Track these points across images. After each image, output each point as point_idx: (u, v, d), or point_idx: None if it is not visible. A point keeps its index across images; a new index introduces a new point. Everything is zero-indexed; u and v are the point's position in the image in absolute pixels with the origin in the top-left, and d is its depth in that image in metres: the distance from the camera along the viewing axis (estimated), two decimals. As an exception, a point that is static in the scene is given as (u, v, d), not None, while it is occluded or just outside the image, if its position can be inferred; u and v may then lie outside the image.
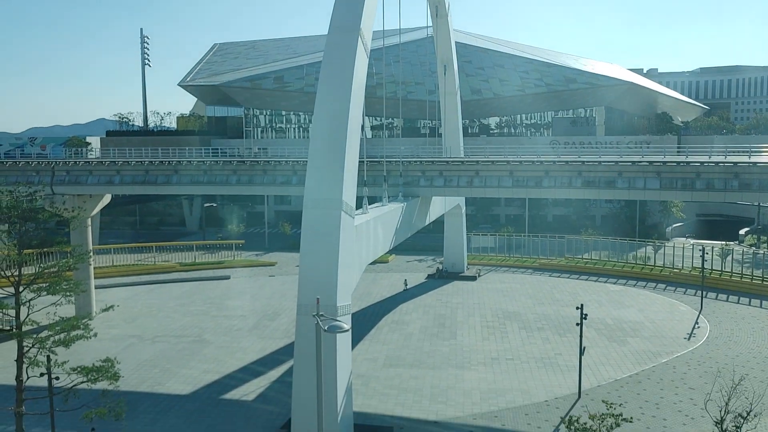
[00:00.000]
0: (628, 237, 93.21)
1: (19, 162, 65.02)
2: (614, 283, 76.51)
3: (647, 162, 54.94)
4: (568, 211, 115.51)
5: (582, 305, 43.57)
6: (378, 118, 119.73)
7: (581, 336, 42.68)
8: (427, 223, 65.48)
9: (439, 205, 69.54)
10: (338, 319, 31.56)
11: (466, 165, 59.70)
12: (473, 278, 79.41)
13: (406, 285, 74.50)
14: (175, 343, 56.00)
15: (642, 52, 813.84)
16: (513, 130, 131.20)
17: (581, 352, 42.94)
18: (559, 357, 50.96)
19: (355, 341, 50.89)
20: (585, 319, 42.85)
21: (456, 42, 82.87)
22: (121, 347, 54.30)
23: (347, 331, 28.53)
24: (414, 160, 61.17)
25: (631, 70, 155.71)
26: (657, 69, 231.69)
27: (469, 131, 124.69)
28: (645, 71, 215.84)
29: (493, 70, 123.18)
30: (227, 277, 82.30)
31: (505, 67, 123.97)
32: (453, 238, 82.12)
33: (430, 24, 75.70)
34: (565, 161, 56.97)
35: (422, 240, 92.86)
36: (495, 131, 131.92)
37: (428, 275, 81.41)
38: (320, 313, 27.10)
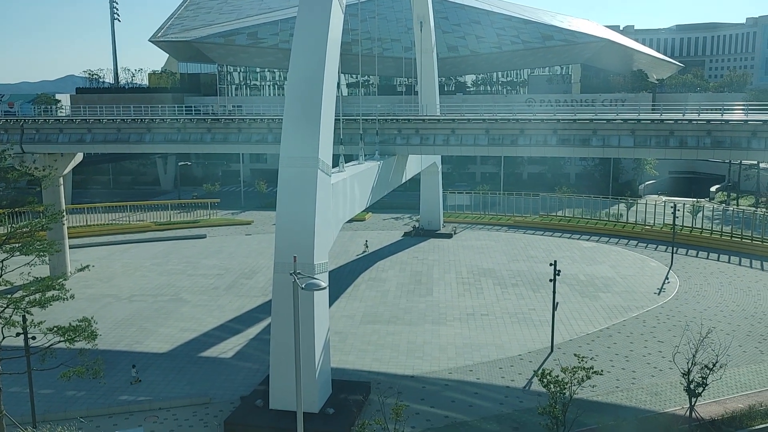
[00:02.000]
0: (601, 195, 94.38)
1: (-13, 120, 63.52)
2: (587, 240, 77.72)
3: (622, 120, 55.33)
4: (543, 169, 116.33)
5: (555, 262, 44.29)
6: (354, 76, 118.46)
7: (554, 292, 43.51)
8: (403, 181, 65.58)
9: (415, 164, 69.57)
10: (315, 276, 31.78)
11: (443, 123, 59.63)
12: (449, 236, 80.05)
13: (367, 246, 73.72)
14: (152, 302, 56.00)
15: (619, 9, 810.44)
16: (489, 88, 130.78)
17: (554, 308, 43.83)
18: (533, 312, 51.97)
19: (333, 299, 51.39)
20: (558, 275, 43.62)
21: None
22: (97, 307, 54.18)
23: (324, 288, 28.77)
24: (390, 118, 60.90)
25: (607, 27, 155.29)
26: (633, 26, 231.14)
27: (446, 89, 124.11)
28: (621, 28, 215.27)
29: (470, 27, 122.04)
30: (203, 236, 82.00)
31: (481, 23, 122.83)
32: (429, 196, 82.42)
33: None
34: (540, 119, 57.14)
35: (399, 198, 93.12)
36: (471, 89, 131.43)
37: (405, 233, 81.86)
38: (297, 271, 27.23)
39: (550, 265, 44.37)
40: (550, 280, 44.03)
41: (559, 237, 79.64)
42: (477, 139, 58.20)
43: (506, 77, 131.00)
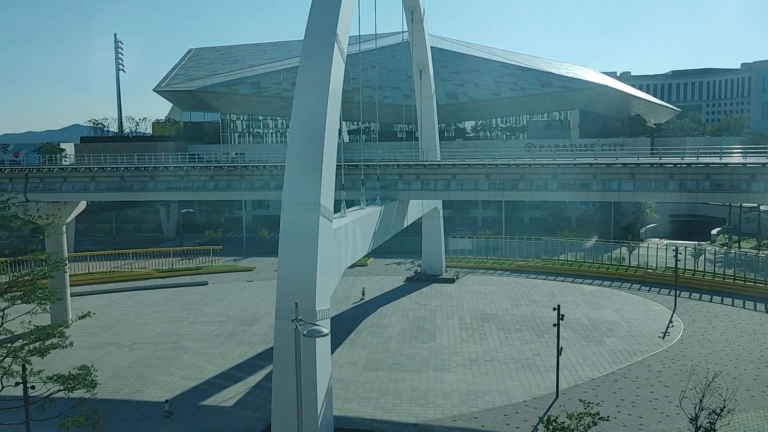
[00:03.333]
0: (603, 238, 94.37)
1: (-8, 169, 64.09)
2: (590, 284, 77.40)
3: (621, 164, 55.77)
4: (545, 214, 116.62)
5: (559, 306, 44.08)
6: (355, 123, 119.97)
7: (558, 336, 43.13)
8: (405, 226, 65.78)
9: (416, 209, 69.87)
10: (317, 323, 31.63)
11: (443, 168, 60.12)
12: (452, 281, 79.81)
13: (363, 294, 72.93)
14: (153, 350, 55.56)
15: (615, 56, 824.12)
16: (489, 134, 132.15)
17: (558, 353, 43.44)
18: (537, 358, 51.46)
19: (335, 345, 50.96)
20: (562, 319, 43.39)
21: (432, 47, 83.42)
22: (98, 355, 53.74)
23: (326, 335, 28.63)
24: (391, 163, 61.45)
25: (604, 73, 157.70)
26: (630, 72, 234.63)
27: (446, 135, 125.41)
28: (618, 74, 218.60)
29: (469, 75, 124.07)
30: (205, 283, 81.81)
31: (480, 71, 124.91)
32: (431, 240, 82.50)
33: (406, 29, 76.13)
34: (540, 164, 57.62)
35: (400, 243, 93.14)
36: (471, 135, 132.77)
37: (407, 278, 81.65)
38: (299, 317, 27.16)
39: (554, 309, 44.15)
40: (554, 325, 43.76)
41: (562, 281, 79.38)
42: (478, 183, 58.58)
43: (505, 123, 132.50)
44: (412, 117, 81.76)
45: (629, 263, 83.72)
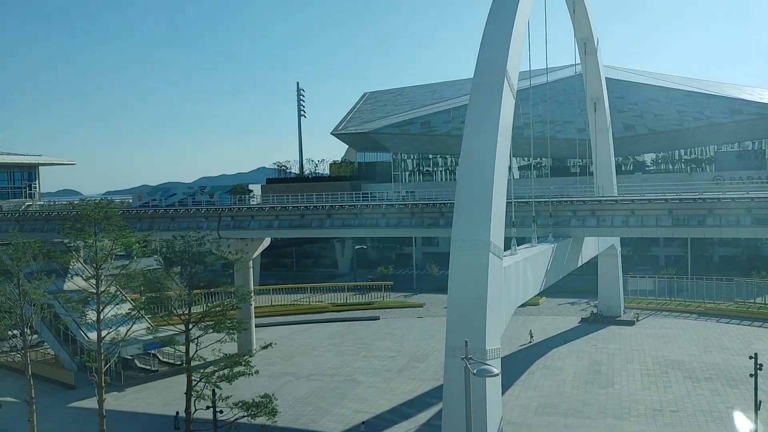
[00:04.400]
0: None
1: (191, 209, 70.78)
2: (795, 331, 69.12)
3: (830, 197, 49.68)
4: (737, 252, 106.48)
5: (756, 354, 39.71)
6: (526, 158, 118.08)
7: (756, 388, 38.81)
8: (579, 264, 63.14)
9: (591, 246, 66.90)
10: (487, 362, 31.03)
11: (621, 203, 57.13)
12: (631, 323, 75.07)
13: (531, 337, 69.63)
14: (328, 382, 57.60)
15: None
16: (671, 167, 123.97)
17: (757, 407, 38.99)
18: (731, 411, 46.57)
19: (506, 386, 49.63)
20: (760, 369, 38.99)
21: (606, 78, 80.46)
22: (278, 384, 56.67)
23: (497, 375, 27.98)
24: (564, 199, 59.53)
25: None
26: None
27: (623, 169, 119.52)
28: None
29: (647, 105, 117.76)
30: (377, 318, 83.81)
31: (659, 100, 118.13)
32: (608, 280, 78.42)
33: (578, 61, 74.24)
34: (731, 198, 52.89)
35: (574, 282, 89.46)
36: (651, 168, 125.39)
37: (581, 319, 78.12)
38: (469, 356, 26.82)
39: (750, 358, 39.83)
40: (751, 375, 39.41)
41: (759, 327, 71.63)
42: (659, 220, 54.93)
43: (689, 155, 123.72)
44: (586, 151, 78.97)
45: (843, 309, 73.77)
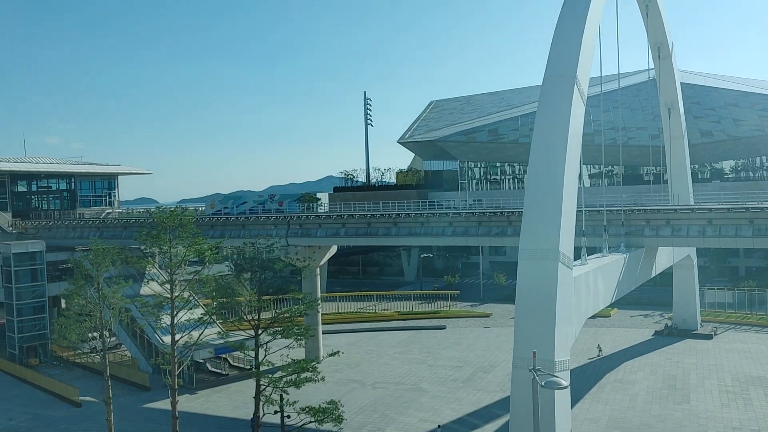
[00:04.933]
0: None
1: (261, 217, 72.28)
2: None
3: None
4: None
5: None
6: (596, 166, 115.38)
7: None
8: (652, 275, 61.14)
9: (666, 257, 64.70)
10: (556, 374, 30.40)
11: (697, 213, 55.02)
12: (708, 337, 72.09)
13: (600, 350, 67.14)
14: (393, 390, 57.61)
15: None
16: (752, 174, 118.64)
17: None
18: (820, 432, 44.08)
19: (575, 399, 48.47)
20: None
21: (681, 83, 77.92)
22: (344, 390, 57.05)
23: (566, 387, 27.37)
24: (637, 208, 57.80)
25: None
26: None
27: (699, 176, 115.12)
28: None
29: (726, 110, 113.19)
30: (443, 327, 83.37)
31: (739, 105, 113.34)
32: (683, 292, 75.60)
33: (651, 66, 72.18)
34: (818, 207, 50.16)
35: (648, 293, 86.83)
36: (730, 176, 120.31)
37: (655, 332, 75.52)
38: (537, 367, 26.33)
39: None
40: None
41: None
42: (739, 230, 52.60)
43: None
44: (660, 158, 76.58)
45: None
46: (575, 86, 37.11)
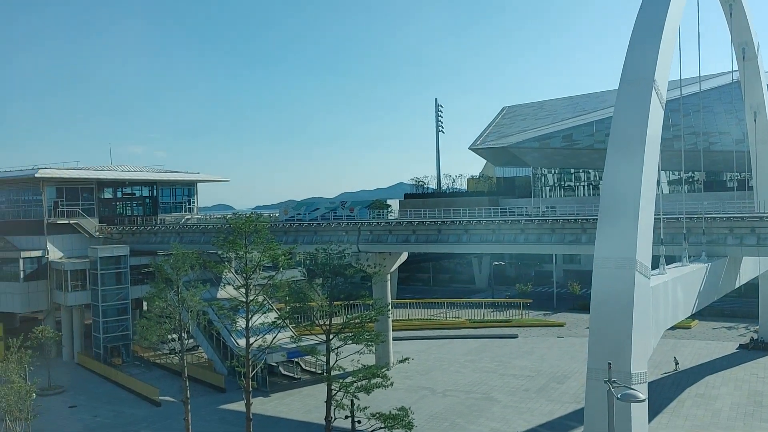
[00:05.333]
0: None
1: (332, 223, 73.27)
2: None
3: None
4: None
5: None
6: (676, 172, 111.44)
7: None
8: (736, 286, 58.43)
9: (751, 266, 61.73)
10: (633, 387, 29.47)
11: (786, 221, 52.32)
12: (798, 352, 68.35)
13: (677, 363, 64.26)
14: (464, 398, 57.17)
15: None
16: None
17: None
18: None
19: (653, 414, 46.85)
20: None
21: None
22: (415, 398, 57.01)
23: (643, 401, 26.49)
24: (719, 215, 55.46)
25: None
26: None
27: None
28: None
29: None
30: (515, 336, 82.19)
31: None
32: (771, 304, 71.92)
33: (736, 68, 69.23)
34: None
35: (731, 304, 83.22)
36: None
37: (739, 345, 72.16)
38: (612, 379, 25.63)
39: None
40: None
41: None
42: (832, 239, 49.73)
43: None
44: (745, 164, 73.29)
45: None
46: (653, 90, 36.03)
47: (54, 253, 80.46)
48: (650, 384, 37.63)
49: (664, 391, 56.19)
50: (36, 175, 78.81)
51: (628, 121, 35.92)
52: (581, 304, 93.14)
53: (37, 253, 79.40)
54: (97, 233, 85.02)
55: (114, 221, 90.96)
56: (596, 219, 36.72)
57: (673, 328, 53.78)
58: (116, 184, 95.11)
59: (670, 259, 47.41)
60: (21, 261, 77.86)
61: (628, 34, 39.21)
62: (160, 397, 59.61)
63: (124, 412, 57.37)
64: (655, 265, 40.07)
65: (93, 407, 59.13)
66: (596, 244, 35.41)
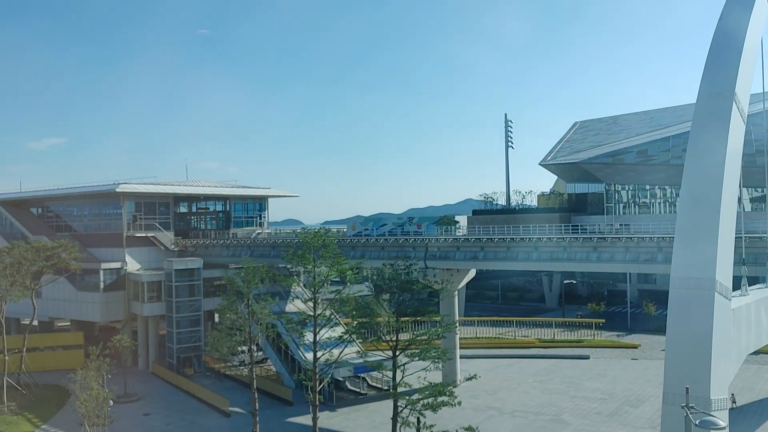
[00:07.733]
0: None
1: (399, 239, 73.32)
2: None
3: None
4: None
5: None
6: (759, 189, 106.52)
7: None
8: (827, 310, 55.06)
9: (844, 290, 58.07)
10: (712, 413, 28.08)
11: None
12: None
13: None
14: (533, 420, 55.84)
15: None
16: None
17: None
18: None
19: (735, 442, 44.51)
20: None
21: None
22: (482, 418, 56.06)
23: (724, 429, 25.18)
24: (807, 235, 52.53)
25: None
26: None
27: None
28: None
29: None
30: (587, 357, 79.87)
31: None
32: None
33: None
34: None
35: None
36: None
37: (831, 373, 67.83)
38: (690, 404, 24.48)
39: None
40: None
41: None
42: None
43: None
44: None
45: None
46: (734, 104, 34.60)
47: (132, 265, 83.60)
48: (731, 411, 35.74)
49: (747, 419, 53.31)
50: (117, 190, 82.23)
51: (707, 137, 34.57)
52: (657, 326, 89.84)
53: (117, 265, 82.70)
54: (173, 246, 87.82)
55: (188, 235, 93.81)
56: (673, 237, 35.37)
57: (756, 352, 51.04)
58: (191, 198, 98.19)
59: (753, 281, 45.19)
60: (101, 272, 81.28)
61: (707, 44, 37.87)
62: (230, 408, 60.68)
63: (195, 422, 58.69)
64: (736, 286, 38.26)
65: (166, 415, 60.75)
66: (673, 264, 34.10)
